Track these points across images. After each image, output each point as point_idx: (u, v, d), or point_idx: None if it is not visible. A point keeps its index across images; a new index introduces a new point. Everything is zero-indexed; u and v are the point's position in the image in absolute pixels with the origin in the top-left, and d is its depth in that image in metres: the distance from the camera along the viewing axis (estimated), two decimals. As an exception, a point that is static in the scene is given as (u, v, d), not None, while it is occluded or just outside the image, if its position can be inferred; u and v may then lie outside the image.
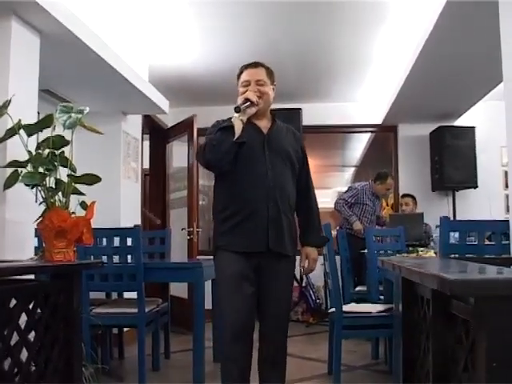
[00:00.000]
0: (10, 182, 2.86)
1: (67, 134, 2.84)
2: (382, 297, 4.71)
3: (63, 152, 2.88)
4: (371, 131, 8.60)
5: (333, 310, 4.28)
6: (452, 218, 6.88)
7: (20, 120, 2.89)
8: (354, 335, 4.65)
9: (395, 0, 4.77)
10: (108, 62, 4.38)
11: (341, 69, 6.64)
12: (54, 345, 2.56)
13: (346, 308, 4.23)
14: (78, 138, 2.91)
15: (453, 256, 3.43)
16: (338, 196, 7.96)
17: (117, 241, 4.34)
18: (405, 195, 7.17)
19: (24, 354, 2.34)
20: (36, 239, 3.58)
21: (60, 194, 2.81)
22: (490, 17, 3.83)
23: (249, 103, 3.06)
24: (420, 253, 4.35)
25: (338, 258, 4.52)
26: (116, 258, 4.35)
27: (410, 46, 5.41)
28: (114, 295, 5.16)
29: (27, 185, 2.81)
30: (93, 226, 2.88)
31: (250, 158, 3.10)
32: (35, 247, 3.50)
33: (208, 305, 4.66)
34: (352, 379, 4.41)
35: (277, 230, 3.08)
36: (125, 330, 5.22)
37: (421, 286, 2.26)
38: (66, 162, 2.85)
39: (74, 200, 2.87)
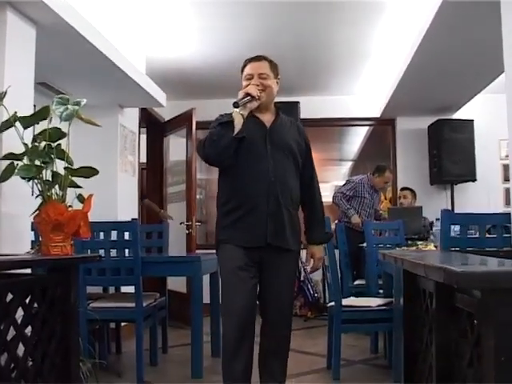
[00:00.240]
0: (5, 175, 2.82)
1: (64, 127, 2.80)
2: (380, 291, 4.69)
3: (60, 144, 2.84)
4: (369, 124, 8.57)
5: (332, 304, 4.26)
6: (451, 212, 6.86)
7: (16, 112, 2.84)
8: (353, 329, 4.64)
9: (394, -8, 4.74)
10: (105, 53, 4.33)
11: (339, 62, 6.61)
12: (51, 340, 2.53)
13: (345, 302, 4.21)
14: (74, 131, 2.88)
15: (453, 249, 3.41)
16: (335, 189, 7.93)
17: (114, 234, 4.31)
18: (403, 188, 7.14)
19: (21, 349, 2.31)
20: (33, 233, 3.54)
21: (57, 187, 2.78)
22: (490, 9, 3.80)
23: (249, 98, 3.04)
24: (420, 246, 4.32)
25: (336, 251, 4.48)
26: (113, 252, 4.32)
27: (409, 39, 5.38)
28: (112, 289, 5.13)
29: (23, 178, 2.77)
30: (90, 220, 2.85)
31: (251, 152, 3.10)
32: (32, 241, 3.46)
33: (206, 299, 4.64)
34: (351, 374, 4.38)
35: (276, 224, 3.07)
36: (122, 324, 5.19)
37: (423, 279, 2.23)
38: (62, 155, 2.82)
39: (71, 193, 2.83)
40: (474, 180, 7.18)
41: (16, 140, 2.78)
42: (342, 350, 4.18)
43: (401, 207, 6.88)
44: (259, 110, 3.18)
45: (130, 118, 6.24)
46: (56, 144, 2.83)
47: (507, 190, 7.29)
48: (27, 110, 3.15)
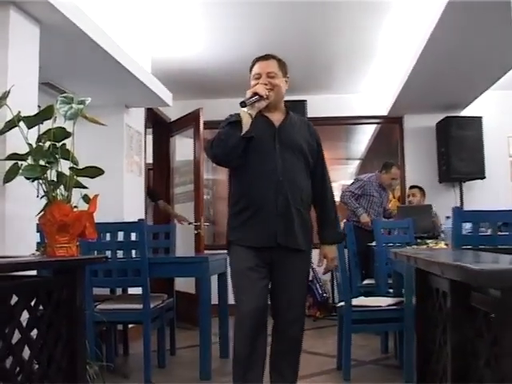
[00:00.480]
0: (9, 176, 2.78)
1: (68, 126, 2.76)
2: (390, 290, 4.64)
3: (65, 144, 2.79)
4: (377, 123, 8.51)
5: (342, 304, 4.20)
6: (460, 210, 6.79)
7: (19, 112, 2.81)
8: (363, 329, 4.59)
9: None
10: (110, 53, 4.29)
11: (346, 60, 6.56)
12: (57, 342, 2.49)
13: (355, 302, 4.16)
14: (79, 131, 2.84)
15: (464, 247, 3.36)
16: (343, 188, 7.88)
17: (121, 235, 4.27)
18: (412, 187, 7.08)
19: (26, 353, 2.27)
20: (38, 234, 3.51)
21: (62, 187, 2.73)
22: (499, 5, 3.75)
23: (257, 97, 3.00)
24: (430, 244, 4.26)
25: (345, 251, 4.43)
26: (120, 253, 4.28)
27: (416, 36, 5.33)
28: (119, 291, 5.09)
29: (27, 178, 2.73)
30: (96, 221, 2.81)
31: (260, 152, 3.07)
32: (38, 242, 3.43)
33: (215, 300, 4.61)
34: (362, 375, 4.33)
35: (285, 224, 3.03)
36: (130, 326, 5.16)
37: (436, 278, 2.18)
38: (67, 155, 2.78)
39: (76, 194, 2.79)
40: (482, 177, 7.11)
41: (20, 140, 2.74)
42: (351, 350, 4.14)
43: (410, 205, 6.82)
44: (268, 109, 3.14)
45: (136, 117, 6.21)
46: (61, 144, 2.79)
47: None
48: (31, 110, 3.12)
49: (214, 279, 4.75)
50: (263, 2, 4.90)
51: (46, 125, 2.81)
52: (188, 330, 5.94)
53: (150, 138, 7.49)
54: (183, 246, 6.37)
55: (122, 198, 5.71)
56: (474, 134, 7.04)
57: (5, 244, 3.04)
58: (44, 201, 2.73)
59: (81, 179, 2.80)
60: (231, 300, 3.19)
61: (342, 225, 5.29)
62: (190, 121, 6.83)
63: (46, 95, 4.63)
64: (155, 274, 4.35)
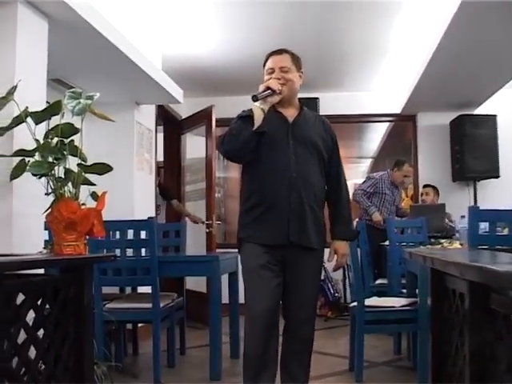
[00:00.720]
0: (16, 172, 2.73)
1: (77, 123, 2.71)
2: (403, 290, 4.57)
3: (73, 141, 2.74)
4: (390, 120, 8.44)
5: (354, 304, 4.13)
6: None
7: (27, 107, 2.76)
8: (376, 330, 4.52)
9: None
10: (120, 49, 4.24)
11: (359, 58, 6.50)
12: (64, 342, 2.44)
13: (368, 302, 4.09)
14: (89, 128, 2.80)
15: (481, 247, 3.28)
16: (355, 187, 7.82)
17: (130, 234, 4.22)
18: (426, 185, 7.00)
19: (32, 352, 2.22)
20: (47, 232, 3.46)
21: (70, 184, 2.68)
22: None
23: (269, 91, 2.94)
24: (444, 244, 4.18)
25: (357, 250, 4.36)
26: (130, 252, 4.23)
27: (429, 34, 5.27)
28: (128, 290, 5.04)
29: (34, 174, 2.68)
30: (106, 219, 2.76)
31: (273, 148, 3.01)
32: (46, 240, 3.38)
33: (226, 299, 4.56)
34: (375, 376, 4.26)
35: (298, 222, 2.97)
36: (139, 325, 5.11)
37: (452, 279, 2.12)
38: (75, 151, 2.72)
39: (85, 191, 2.74)
40: (497, 176, 7.00)
41: (28, 136, 2.69)
42: (364, 351, 4.07)
43: (423, 204, 6.74)
44: (282, 104, 3.09)
45: (147, 115, 6.16)
46: (69, 140, 2.73)
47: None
48: (39, 106, 3.05)
49: (225, 278, 4.69)
50: (275, 1, 4.84)
51: (55, 121, 2.76)
52: (199, 329, 5.90)
53: (160, 135, 7.44)
54: (194, 244, 6.33)
55: (132, 196, 5.66)
56: (489, 132, 6.94)
57: (12, 242, 3.00)
58: (51, 198, 2.68)
59: (90, 177, 2.75)
60: (242, 299, 3.13)
61: (354, 224, 5.25)
62: (201, 118, 6.78)
63: (56, 92, 4.59)
64: (165, 273, 4.30)
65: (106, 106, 4.24)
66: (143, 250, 4.27)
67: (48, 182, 2.71)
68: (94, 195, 2.76)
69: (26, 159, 2.72)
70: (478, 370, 1.84)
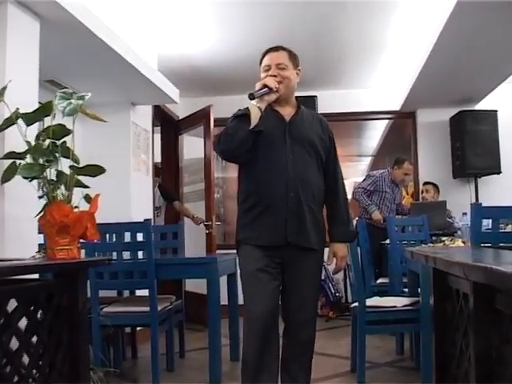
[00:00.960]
0: (7, 175, 2.68)
1: (71, 124, 2.64)
2: (405, 289, 4.51)
3: (65, 142, 2.68)
4: (389, 118, 8.36)
5: (355, 304, 4.07)
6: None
7: (18, 109, 2.70)
8: (378, 330, 4.45)
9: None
10: (114, 49, 4.18)
11: (357, 55, 6.44)
12: (58, 349, 2.39)
13: (369, 302, 4.02)
14: (85, 129, 2.74)
15: (483, 245, 3.22)
16: (355, 185, 7.76)
17: (128, 236, 4.16)
18: (426, 183, 6.96)
19: (26, 359, 2.16)
20: (42, 236, 3.40)
21: (63, 187, 2.62)
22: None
23: (266, 89, 2.88)
24: (446, 242, 4.12)
25: (357, 249, 4.29)
26: (127, 255, 4.17)
27: (427, 29, 5.20)
28: (126, 293, 4.98)
29: (25, 177, 2.62)
30: (103, 222, 2.70)
31: (270, 147, 2.95)
32: (39, 244, 3.32)
33: (225, 300, 4.50)
34: (377, 377, 4.19)
35: (297, 222, 2.92)
36: (138, 328, 5.06)
37: (455, 279, 2.06)
38: (67, 153, 2.66)
39: (79, 194, 2.67)
40: (498, 172, 6.92)
41: (19, 138, 2.63)
42: (366, 351, 4.01)
43: (423, 202, 6.69)
44: (278, 103, 3.03)
45: (143, 115, 6.10)
46: (61, 141, 2.67)
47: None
48: (31, 108, 2.99)
49: (224, 279, 4.63)
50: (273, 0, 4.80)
51: (49, 122, 2.70)
52: (198, 331, 5.84)
53: (158, 136, 7.38)
54: (194, 245, 6.27)
55: (129, 198, 5.60)
56: (489, 127, 6.87)
57: (4, 246, 2.94)
58: (44, 201, 2.62)
59: (86, 179, 2.69)
60: (241, 301, 3.07)
61: (354, 223, 5.20)
62: (199, 118, 6.72)
63: (50, 93, 4.51)
64: (162, 276, 4.24)
65: (102, 106, 4.20)
66: (140, 253, 4.20)
67: (40, 185, 2.64)
68: (87, 198, 2.70)
69: (17, 162, 2.66)
70: (484, 374, 1.79)
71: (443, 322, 2.32)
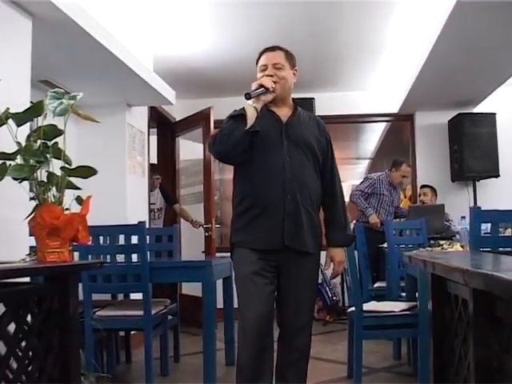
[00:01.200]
0: (-3, 176, 2.61)
1: (62, 124, 2.59)
2: (402, 293, 4.45)
3: (56, 143, 2.62)
4: (387, 120, 8.34)
5: (352, 309, 4.02)
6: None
7: (8, 108, 2.64)
8: (375, 335, 4.37)
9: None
10: (109, 49, 4.13)
11: (355, 58, 6.42)
12: (48, 354, 2.33)
13: (366, 307, 3.96)
14: (79, 130, 2.68)
15: (482, 250, 3.17)
16: (353, 188, 7.72)
17: (122, 239, 4.10)
18: (424, 186, 6.91)
19: (15, 365, 2.11)
20: (33, 238, 3.34)
21: (54, 188, 2.57)
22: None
23: (262, 89, 2.84)
24: (445, 246, 4.07)
25: (355, 253, 4.25)
26: (121, 257, 4.11)
27: (426, 31, 5.16)
28: (120, 296, 4.92)
29: (15, 179, 2.56)
30: (99, 224, 2.64)
31: (266, 149, 2.90)
32: (32, 247, 3.26)
33: (220, 304, 4.45)
34: (374, 383, 4.14)
35: (294, 225, 2.86)
36: (132, 332, 5.00)
37: (454, 284, 2.01)
38: (59, 154, 2.60)
39: (71, 196, 2.62)
40: (497, 176, 6.89)
41: (9, 139, 2.57)
42: (363, 357, 3.95)
43: (421, 205, 6.64)
44: (275, 103, 2.99)
45: (139, 117, 6.05)
46: (52, 142, 2.62)
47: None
48: (23, 108, 2.94)
49: (220, 282, 4.58)
50: (270, 0, 4.76)
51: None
52: (194, 335, 5.77)
53: (154, 138, 7.32)
54: (191, 248, 6.22)
55: (125, 200, 5.54)
56: (488, 130, 6.83)
57: (-7, 249, 2.88)
58: (35, 203, 2.56)
59: (81, 181, 2.63)
60: (236, 304, 3.02)
61: (351, 226, 5.15)
62: (198, 120, 6.68)
63: (44, 93, 4.45)
64: (157, 279, 4.19)
65: (97, 107, 4.15)
66: (134, 256, 4.15)
67: (31, 186, 2.59)
68: (78, 199, 2.64)
69: (7, 163, 2.60)
70: (484, 381, 1.73)
71: (442, 328, 2.27)
